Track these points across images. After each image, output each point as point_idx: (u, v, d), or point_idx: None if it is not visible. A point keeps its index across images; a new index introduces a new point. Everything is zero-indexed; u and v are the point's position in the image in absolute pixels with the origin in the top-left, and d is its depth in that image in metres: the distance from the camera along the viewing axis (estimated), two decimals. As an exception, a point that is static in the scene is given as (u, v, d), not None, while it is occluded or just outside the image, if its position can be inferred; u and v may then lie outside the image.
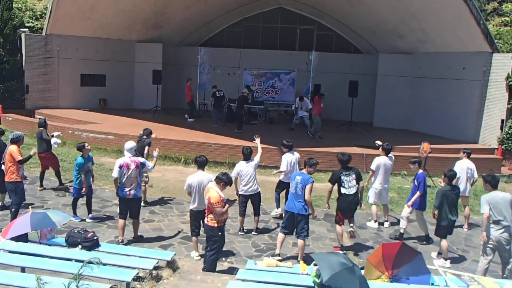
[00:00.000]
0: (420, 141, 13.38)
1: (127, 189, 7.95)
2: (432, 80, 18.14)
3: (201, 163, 7.78)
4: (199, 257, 7.81)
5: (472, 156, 14.60)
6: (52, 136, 11.11)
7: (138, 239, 8.44)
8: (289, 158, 9.54)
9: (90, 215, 9.31)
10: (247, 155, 8.97)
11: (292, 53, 21.86)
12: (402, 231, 9.14)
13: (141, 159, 8.26)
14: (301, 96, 18.36)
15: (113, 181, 8.26)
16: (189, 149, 14.01)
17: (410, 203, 8.87)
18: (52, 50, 19.35)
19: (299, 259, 7.77)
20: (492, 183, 7.16)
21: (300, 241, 7.80)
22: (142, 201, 10.14)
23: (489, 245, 7.07)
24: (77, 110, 19.59)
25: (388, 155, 9.92)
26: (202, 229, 7.71)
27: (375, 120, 20.27)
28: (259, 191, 9.12)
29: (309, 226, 7.89)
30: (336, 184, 8.17)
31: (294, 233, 7.85)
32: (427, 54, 18.51)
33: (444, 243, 8.14)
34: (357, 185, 8.13)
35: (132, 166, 7.93)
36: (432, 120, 18.12)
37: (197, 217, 7.72)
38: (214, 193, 6.78)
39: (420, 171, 9.03)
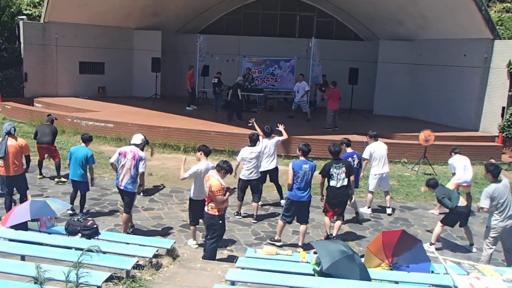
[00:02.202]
0: (420, 129, 13.35)
1: (120, 178, 7.88)
2: (433, 67, 18.02)
3: (206, 152, 7.67)
4: (197, 246, 7.82)
5: (472, 143, 14.69)
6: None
7: (133, 231, 8.30)
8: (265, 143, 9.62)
9: (81, 213, 8.65)
10: (254, 140, 9.18)
11: (291, 41, 21.69)
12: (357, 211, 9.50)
13: (142, 154, 7.93)
14: (301, 74, 18.18)
15: (111, 166, 8.25)
16: (189, 137, 13.96)
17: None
18: (50, 37, 19.20)
19: (300, 244, 7.81)
20: (494, 173, 7.07)
21: (303, 227, 7.84)
22: (141, 192, 10.14)
23: (492, 235, 7.08)
24: (76, 98, 19.49)
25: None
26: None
27: (375, 107, 20.19)
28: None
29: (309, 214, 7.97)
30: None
31: (295, 221, 7.89)
32: (428, 41, 18.38)
33: (438, 228, 8.21)
34: (347, 178, 7.93)
35: (129, 156, 7.77)
36: (432, 107, 18.04)
37: (197, 206, 7.71)
38: (215, 181, 6.75)
39: (349, 150, 9.26)
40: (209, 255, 7.02)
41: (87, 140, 9.02)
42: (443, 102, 17.51)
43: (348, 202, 8.42)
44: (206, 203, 6.96)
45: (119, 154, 7.90)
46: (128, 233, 8.02)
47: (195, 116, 16.70)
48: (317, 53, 18.41)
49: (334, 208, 8.09)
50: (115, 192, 10.29)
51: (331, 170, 7.91)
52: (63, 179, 10.75)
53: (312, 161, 7.91)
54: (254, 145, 9.10)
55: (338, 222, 8.25)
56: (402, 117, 19.04)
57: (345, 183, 7.93)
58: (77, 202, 8.92)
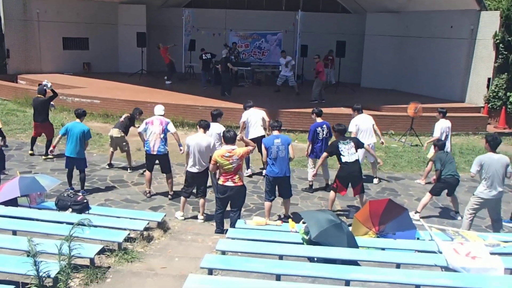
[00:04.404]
0: (407, 101, 13.47)
1: (151, 145, 8.52)
2: (420, 40, 18.02)
3: (203, 125, 7.86)
4: (183, 218, 7.91)
5: (459, 115, 14.85)
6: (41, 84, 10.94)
7: (173, 196, 8.73)
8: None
9: (82, 190, 8.71)
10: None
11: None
12: (310, 183, 9.63)
13: (168, 120, 8.85)
14: (283, 51, 18.13)
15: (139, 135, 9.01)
16: (176, 112, 13.91)
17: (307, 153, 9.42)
18: (31, 13, 18.76)
19: (286, 214, 7.94)
20: (491, 144, 7.04)
21: (287, 200, 7.95)
22: (128, 168, 10.21)
23: (475, 203, 7.21)
24: (60, 74, 19.15)
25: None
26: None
27: (363, 80, 20.22)
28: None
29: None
30: (336, 156, 8.04)
31: (279, 196, 7.97)
32: (415, 13, 18.32)
33: (426, 198, 8.41)
34: (357, 153, 7.98)
35: (156, 123, 8.57)
36: (419, 79, 18.12)
37: (192, 179, 7.78)
38: (239, 149, 6.84)
39: (319, 119, 9.35)
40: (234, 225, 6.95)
41: (81, 115, 8.96)
42: (430, 74, 17.59)
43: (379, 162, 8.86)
44: (232, 176, 6.87)
45: (146, 123, 8.67)
46: (171, 196, 8.79)
47: (182, 91, 16.59)
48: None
49: (346, 184, 8.05)
50: (104, 168, 10.34)
51: (339, 146, 7.91)
52: (50, 156, 10.68)
53: (285, 135, 7.91)
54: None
55: (364, 197, 8.22)
56: (390, 89, 19.11)
57: (357, 157, 7.97)
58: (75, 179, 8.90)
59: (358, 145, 8.07)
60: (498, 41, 15.11)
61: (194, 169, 7.70)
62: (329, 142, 8.99)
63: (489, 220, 7.82)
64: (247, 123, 9.84)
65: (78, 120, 8.85)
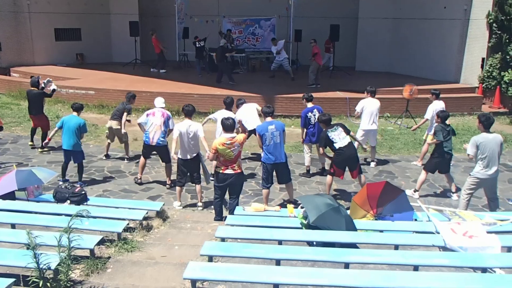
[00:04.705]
0: (402, 83, 13.44)
1: (150, 136, 8.53)
2: (413, 21, 17.93)
3: (188, 112, 7.83)
4: (181, 207, 7.94)
5: (453, 95, 14.84)
6: (45, 83, 10.81)
7: (171, 185, 8.71)
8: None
9: (81, 182, 8.77)
10: (228, 104, 9.18)
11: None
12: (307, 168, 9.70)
13: (169, 113, 8.86)
14: (273, 38, 18.04)
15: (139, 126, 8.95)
16: (172, 100, 13.85)
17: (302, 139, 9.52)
18: (22, 4, 18.58)
19: (291, 199, 7.98)
20: (485, 124, 7.00)
21: (289, 185, 7.97)
22: (126, 158, 10.21)
23: (472, 183, 7.24)
24: (54, 66, 19.06)
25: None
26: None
27: (357, 64, 20.15)
28: None
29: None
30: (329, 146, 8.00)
31: (277, 183, 7.98)
32: (408, -6, 18.23)
33: (422, 175, 8.47)
34: (348, 136, 7.96)
35: (158, 115, 8.56)
36: (414, 61, 18.07)
37: (184, 166, 7.81)
38: (239, 136, 6.87)
39: (310, 104, 9.33)
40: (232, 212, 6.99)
41: (78, 109, 8.92)
42: (424, 55, 17.54)
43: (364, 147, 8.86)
44: (232, 164, 6.87)
45: (147, 115, 8.66)
46: (170, 185, 8.78)
47: (178, 79, 16.51)
48: None
49: (343, 168, 8.07)
50: (101, 159, 10.33)
51: (329, 135, 7.89)
52: (46, 149, 10.65)
53: (278, 121, 7.88)
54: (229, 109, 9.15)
55: (362, 178, 8.25)
56: (385, 72, 19.07)
57: (349, 140, 7.95)
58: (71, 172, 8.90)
59: (346, 129, 8.02)
60: (491, 20, 15.04)
61: (186, 156, 7.73)
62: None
63: (486, 200, 7.89)
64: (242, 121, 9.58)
65: (75, 113, 8.81)
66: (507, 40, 14.70)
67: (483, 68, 15.57)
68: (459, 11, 16.04)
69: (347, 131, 8.04)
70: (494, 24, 15.04)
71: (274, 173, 7.80)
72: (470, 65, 16.10)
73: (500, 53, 15.06)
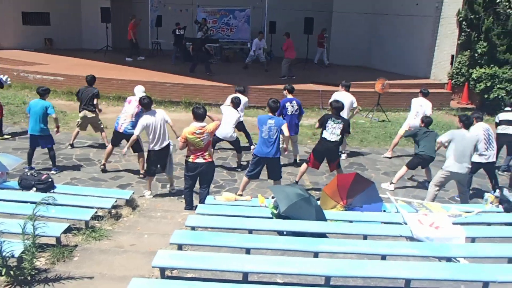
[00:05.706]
0: (374, 78, 13.62)
1: (120, 122, 8.54)
2: (386, 17, 18.17)
3: (147, 105, 7.70)
4: (151, 196, 7.85)
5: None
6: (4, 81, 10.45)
7: (145, 175, 8.35)
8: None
9: (55, 168, 8.66)
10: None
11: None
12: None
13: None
14: (260, 31, 17.96)
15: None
16: (144, 89, 13.62)
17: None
18: (-13, -15, 17.92)
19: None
20: (465, 123, 7.45)
21: (278, 182, 7.81)
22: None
23: (443, 176, 7.46)
24: (21, 50, 18.45)
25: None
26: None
27: (331, 57, 20.24)
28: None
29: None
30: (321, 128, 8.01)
31: (268, 178, 7.90)
32: (382, -10, 18.41)
33: (402, 170, 8.66)
34: (340, 136, 7.92)
35: (133, 104, 8.47)
36: (387, 56, 18.30)
37: (156, 156, 7.70)
38: (209, 125, 6.74)
39: (290, 96, 9.39)
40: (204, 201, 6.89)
41: (44, 93, 8.54)
42: (397, 51, 17.78)
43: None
44: (202, 153, 6.78)
45: (125, 101, 8.74)
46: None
47: (151, 68, 16.24)
48: None
49: (320, 159, 8.08)
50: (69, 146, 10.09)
51: (328, 121, 7.86)
52: (5, 136, 10.33)
53: (279, 117, 7.82)
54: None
55: (341, 172, 8.18)
56: (358, 66, 19.25)
57: (338, 139, 7.91)
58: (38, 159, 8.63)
59: (345, 129, 7.94)
60: (461, 18, 15.36)
61: (157, 147, 7.63)
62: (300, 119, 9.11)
63: (453, 192, 8.11)
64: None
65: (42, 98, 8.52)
66: (476, 38, 15.05)
67: (453, 65, 15.91)
68: (430, 8, 16.32)
69: (345, 131, 7.96)
70: (464, 22, 15.36)
71: (265, 169, 7.67)
72: (440, 61, 16.43)
73: (469, 50, 15.40)
